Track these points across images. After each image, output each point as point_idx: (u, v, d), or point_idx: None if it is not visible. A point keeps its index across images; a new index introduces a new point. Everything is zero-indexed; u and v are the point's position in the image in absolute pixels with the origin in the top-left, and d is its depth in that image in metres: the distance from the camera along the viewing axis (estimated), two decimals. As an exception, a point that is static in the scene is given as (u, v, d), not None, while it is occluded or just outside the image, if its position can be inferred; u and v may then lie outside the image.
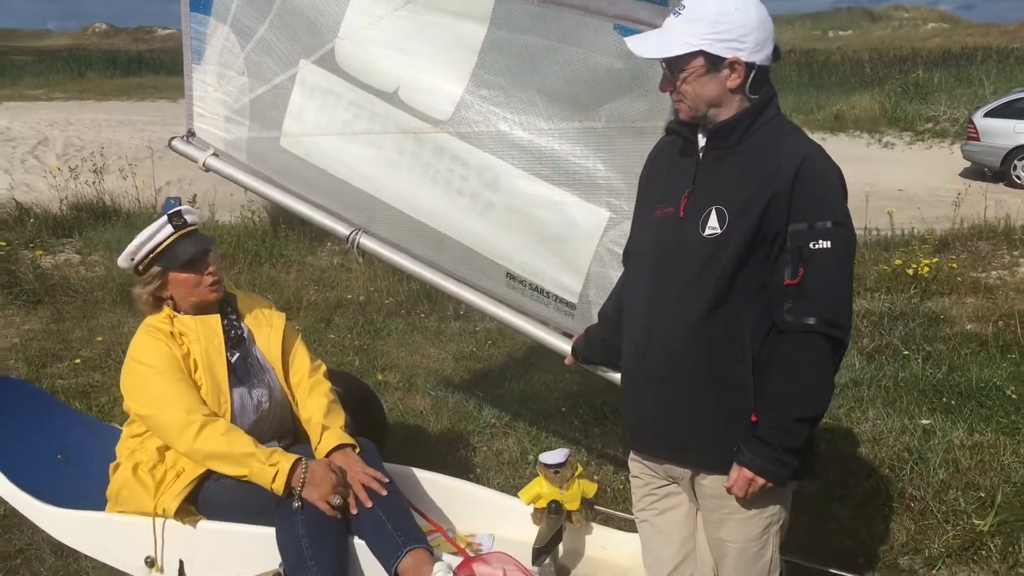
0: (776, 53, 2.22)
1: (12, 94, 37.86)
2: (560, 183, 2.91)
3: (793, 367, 2.17)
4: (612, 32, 2.67)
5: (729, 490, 2.27)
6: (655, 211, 2.38)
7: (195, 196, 9.33)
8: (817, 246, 2.13)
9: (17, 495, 3.10)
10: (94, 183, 10.23)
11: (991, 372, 5.55)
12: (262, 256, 8.32)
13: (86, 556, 3.62)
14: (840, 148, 23.02)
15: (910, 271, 7.39)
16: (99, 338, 6.25)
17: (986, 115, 18.66)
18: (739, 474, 2.22)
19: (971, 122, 18.80)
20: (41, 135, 23.94)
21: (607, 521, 3.38)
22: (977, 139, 18.36)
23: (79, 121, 27.56)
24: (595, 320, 2.86)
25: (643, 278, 2.39)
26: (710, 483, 2.34)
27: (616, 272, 2.78)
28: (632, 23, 2.59)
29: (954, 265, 7.81)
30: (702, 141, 2.30)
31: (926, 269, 7.50)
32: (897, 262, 7.72)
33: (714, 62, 2.18)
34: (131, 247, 3.08)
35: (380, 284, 7.47)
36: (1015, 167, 17.66)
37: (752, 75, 2.19)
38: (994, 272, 8.36)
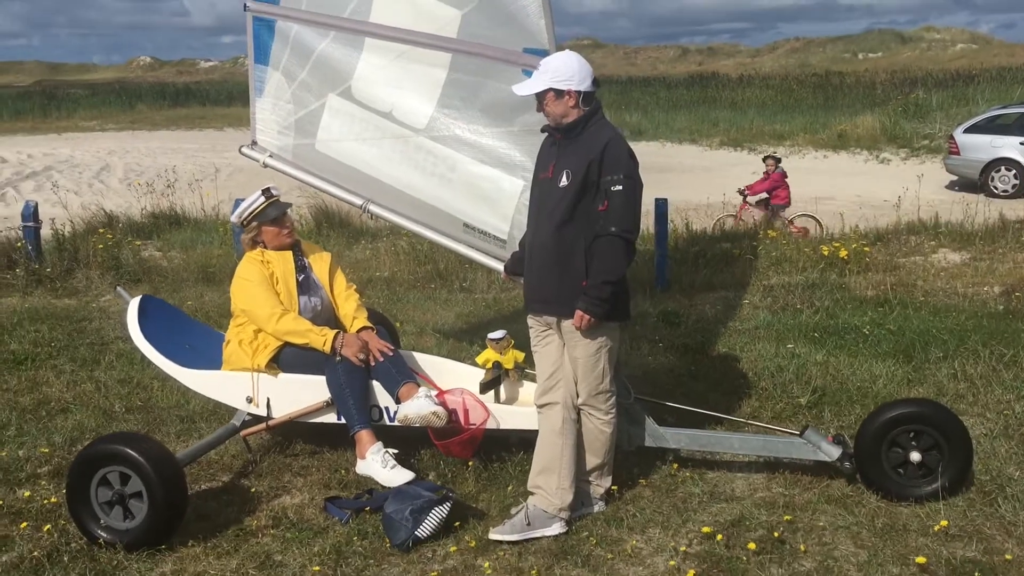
0: (595, 82, 4.05)
1: (69, 125, 40.33)
2: (494, 165, 4.73)
3: (602, 255, 3.97)
4: (521, 74, 4.47)
5: (575, 327, 4.09)
6: (540, 176, 4.23)
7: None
8: (615, 188, 3.94)
9: (171, 365, 4.95)
10: (168, 196, 12.32)
11: (857, 318, 7.30)
12: (308, 250, 10.23)
13: (202, 419, 5.53)
14: (840, 164, 24.75)
15: (826, 252, 9.14)
16: (188, 302, 8.20)
17: (966, 131, 20.11)
18: (577, 315, 4.04)
19: (952, 138, 20.34)
20: (102, 162, 26.18)
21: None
22: (958, 153, 19.83)
23: (135, 149, 29.80)
24: (516, 248, 4.68)
25: (533, 214, 4.25)
26: (566, 325, 4.15)
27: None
28: (531, 68, 4.39)
29: (866, 249, 9.51)
30: (560, 135, 4.14)
31: (844, 253, 9.24)
32: (823, 248, 9.47)
33: (559, 93, 4.02)
34: (239, 209, 4.98)
35: (403, 267, 9.37)
36: (992, 178, 19.21)
37: (581, 97, 4.02)
38: (912, 257, 10.07)
